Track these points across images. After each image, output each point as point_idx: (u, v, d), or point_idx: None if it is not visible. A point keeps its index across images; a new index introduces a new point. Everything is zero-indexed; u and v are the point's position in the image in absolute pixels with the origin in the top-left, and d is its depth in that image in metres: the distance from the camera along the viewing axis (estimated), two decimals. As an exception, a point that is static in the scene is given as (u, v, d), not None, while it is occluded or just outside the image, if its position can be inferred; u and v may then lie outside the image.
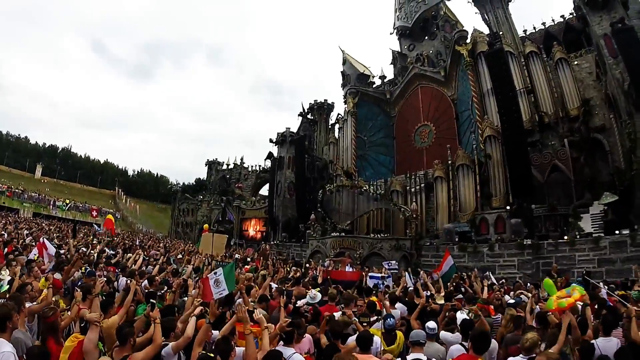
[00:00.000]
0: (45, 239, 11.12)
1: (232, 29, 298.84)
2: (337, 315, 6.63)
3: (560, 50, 24.96)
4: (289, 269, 14.71)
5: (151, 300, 5.54)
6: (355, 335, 5.33)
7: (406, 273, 12.37)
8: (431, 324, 5.89)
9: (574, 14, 26.07)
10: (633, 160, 18.81)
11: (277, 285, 9.54)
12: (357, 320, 6.24)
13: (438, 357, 5.45)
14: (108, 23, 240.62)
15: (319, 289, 9.40)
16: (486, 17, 28.90)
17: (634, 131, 18.75)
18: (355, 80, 36.80)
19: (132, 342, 4.27)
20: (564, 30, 27.67)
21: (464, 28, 30.08)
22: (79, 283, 7.50)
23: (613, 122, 21.84)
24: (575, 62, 24.79)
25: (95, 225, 35.50)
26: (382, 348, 5.34)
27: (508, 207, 22.30)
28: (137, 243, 23.15)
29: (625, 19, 20.22)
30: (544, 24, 29.24)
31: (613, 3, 21.18)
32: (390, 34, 37.94)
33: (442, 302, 7.98)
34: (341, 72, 38.44)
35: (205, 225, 23.06)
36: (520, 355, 4.68)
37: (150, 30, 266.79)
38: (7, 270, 7.53)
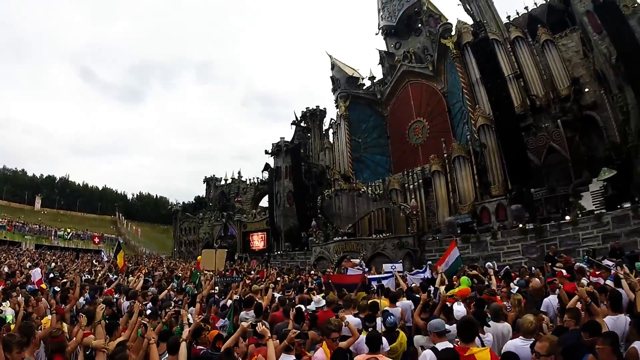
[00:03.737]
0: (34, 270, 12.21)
1: (219, 45, 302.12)
2: None
3: (545, 32, 24.88)
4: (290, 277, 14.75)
5: (142, 322, 5.65)
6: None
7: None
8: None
9: (556, -5, 26.02)
10: (628, 132, 18.62)
11: (280, 295, 9.42)
12: (348, 321, 5.83)
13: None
14: (93, 49, 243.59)
15: (322, 294, 9.33)
16: (469, 7, 28.83)
17: (626, 104, 18.57)
18: (345, 83, 36.58)
19: None
20: (547, 12, 27.71)
21: (448, 21, 29.91)
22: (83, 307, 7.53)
23: (604, 98, 21.71)
24: (561, 43, 24.74)
25: (103, 253, 35.70)
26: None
27: (507, 194, 22.03)
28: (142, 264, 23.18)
29: (606, -6, 20.13)
30: (526, 8, 29.27)
31: (593, -21, 21.09)
32: (376, 34, 37.97)
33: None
34: (330, 77, 38.23)
35: (199, 257, 23.00)
36: (520, 337, 4.53)
37: (136, 52, 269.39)
38: (7, 302, 7.54)
